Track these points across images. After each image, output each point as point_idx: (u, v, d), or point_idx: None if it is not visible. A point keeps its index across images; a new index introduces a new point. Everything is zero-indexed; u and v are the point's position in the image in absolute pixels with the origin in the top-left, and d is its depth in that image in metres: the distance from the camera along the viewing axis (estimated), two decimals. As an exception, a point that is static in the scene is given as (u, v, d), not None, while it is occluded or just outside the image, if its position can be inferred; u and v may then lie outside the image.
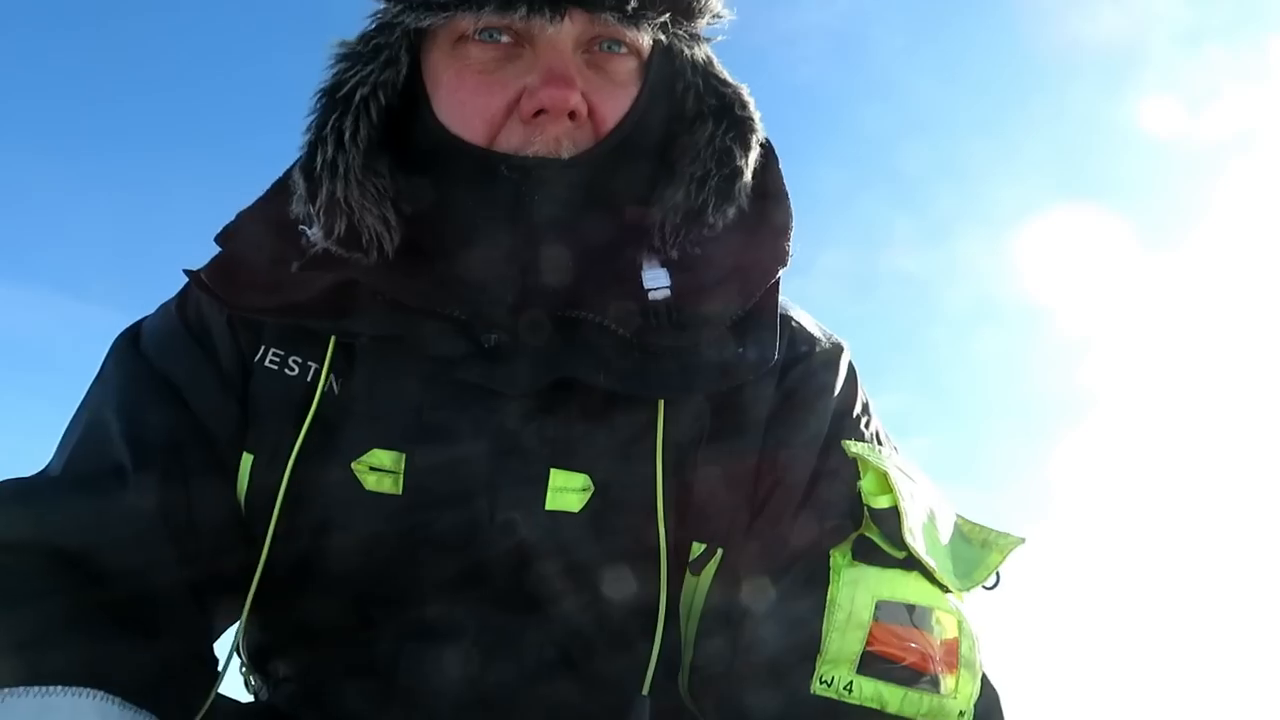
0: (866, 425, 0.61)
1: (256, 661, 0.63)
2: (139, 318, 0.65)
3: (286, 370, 0.58)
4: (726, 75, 0.60)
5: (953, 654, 0.52)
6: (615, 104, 0.55)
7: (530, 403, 0.55)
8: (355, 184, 0.55)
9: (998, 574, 0.56)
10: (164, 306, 0.64)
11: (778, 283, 0.58)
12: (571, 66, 0.53)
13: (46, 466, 0.59)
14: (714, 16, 0.57)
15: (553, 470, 0.55)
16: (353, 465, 0.55)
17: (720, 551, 0.56)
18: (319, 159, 0.55)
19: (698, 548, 0.56)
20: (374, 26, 0.55)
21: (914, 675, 0.51)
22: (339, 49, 0.56)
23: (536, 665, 0.56)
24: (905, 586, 0.52)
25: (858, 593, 0.52)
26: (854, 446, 0.57)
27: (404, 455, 0.55)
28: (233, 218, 0.61)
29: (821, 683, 0.50)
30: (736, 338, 0.56)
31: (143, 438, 0.56)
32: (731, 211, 0.59)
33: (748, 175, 0.59)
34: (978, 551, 0.57)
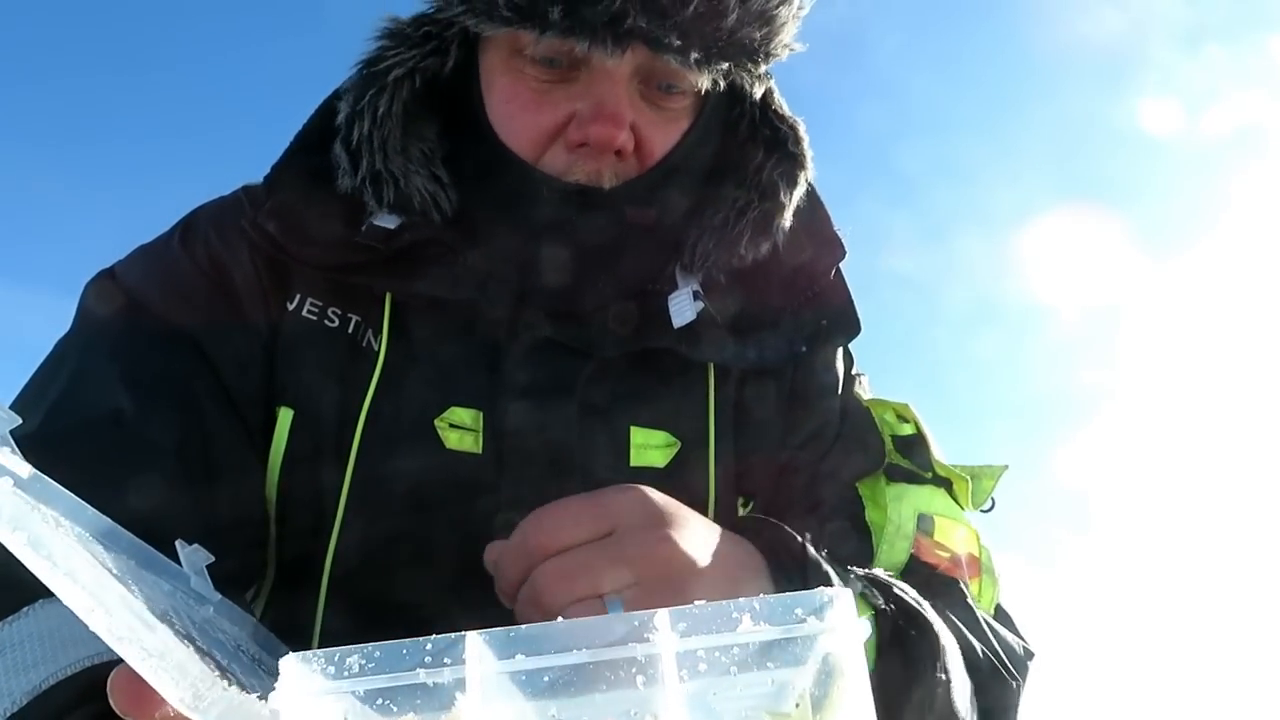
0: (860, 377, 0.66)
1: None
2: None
3: (326, 322, 0.55)
4: (785, 109, 0.60)
5: (975, 563, 0.57)
6: (664, 138, 0.55)
7: (602, 364, 0.56)
8: (397, 154, 0.55)
9: (992, 498, 0.61)
10: (157, 245, 0.59)
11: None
12: (624, 100, 0.52)
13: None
14: (786, 48, 0.55)
15: (632, 427, 0.56)
16: (435, 422, 0.53)
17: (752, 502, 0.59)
18: (356, 133, 0.55)
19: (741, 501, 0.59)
20: (431, 11, 0.55)
21: (946, 580, 0.55)
22: (387, 24, 0.56)
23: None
24: (936, 501, 0.57)
25: (902, 507, 0.56)
26: (864, 392, 0.63)
27: (481, 413, 0.54)
28: (270, 170, 0.58)
29: None
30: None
31: (144, 381, 0.51)
32: (765, 247, 0.59)
33: (788, 214, 0.59)
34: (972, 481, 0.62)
